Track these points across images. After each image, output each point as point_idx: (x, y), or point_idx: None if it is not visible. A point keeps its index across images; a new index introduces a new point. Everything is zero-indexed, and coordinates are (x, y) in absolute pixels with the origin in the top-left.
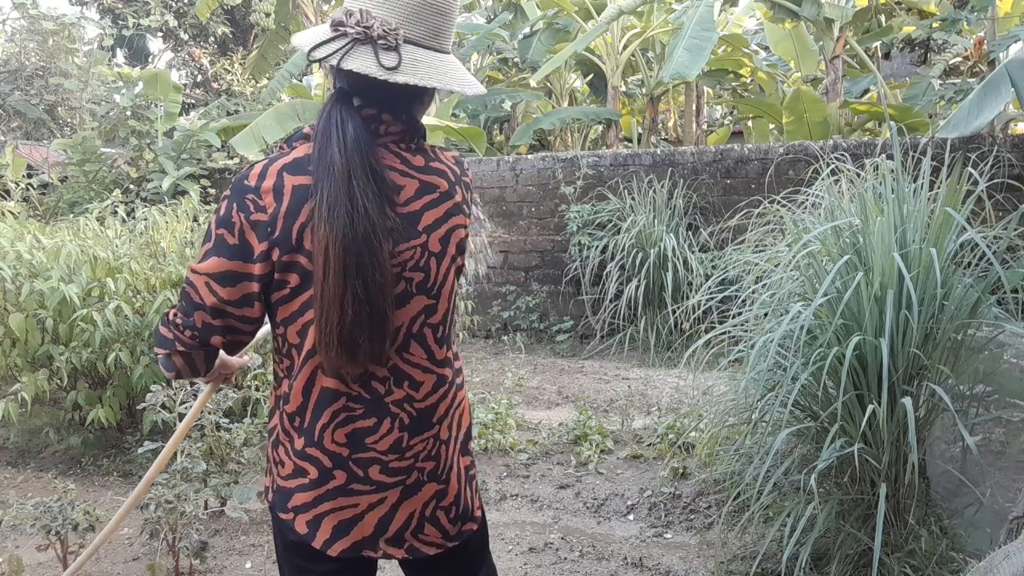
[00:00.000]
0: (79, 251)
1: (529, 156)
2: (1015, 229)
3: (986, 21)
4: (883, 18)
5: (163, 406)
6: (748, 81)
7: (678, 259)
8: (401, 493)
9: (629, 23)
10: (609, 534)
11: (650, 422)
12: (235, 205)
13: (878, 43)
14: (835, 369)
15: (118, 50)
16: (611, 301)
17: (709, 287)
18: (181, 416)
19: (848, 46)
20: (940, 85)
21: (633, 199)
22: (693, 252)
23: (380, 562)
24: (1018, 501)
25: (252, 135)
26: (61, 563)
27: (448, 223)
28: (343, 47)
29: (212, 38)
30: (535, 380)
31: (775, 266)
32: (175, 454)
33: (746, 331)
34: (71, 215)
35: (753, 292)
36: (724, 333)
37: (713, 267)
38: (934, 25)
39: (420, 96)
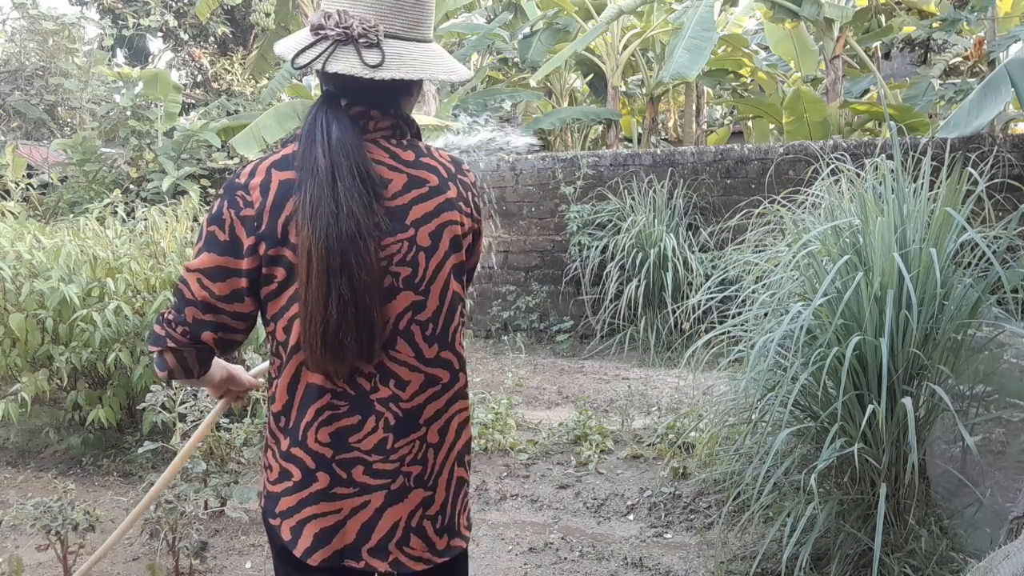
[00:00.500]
0: (79, 251)
1: (529, 156)
2: (1015, 229)
3: (986, 21)
4: (883, 18)
5: (163, 406)
6: (748, 81)
7: (678, 259)
8: (385, 498)
9: (629, 23)
10: (609, 534)
11: (650, 422)
12: (226, 203)
13: (878, 43)
14: (835, 369)
15: (118, 50)
16: (611, 301)
17: (709, 287)
18: (181, 416)
19: (848, 46)
20: (940, 85)
21: (633, 199)
22: (693, 252)
23: None
24: (1018, 501)
25: (252, 135)
26: (61, 563)
27: (440, 218)
28: (325, 50)
29: (212, 38)
30: (535, 380)
31: (775, 266)
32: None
33: (746, 331)
34: (71, 215)
35: (753, 292)
36: (724, 333)
37: (713, 267)
38: (934, 25)
39: (407, 89)
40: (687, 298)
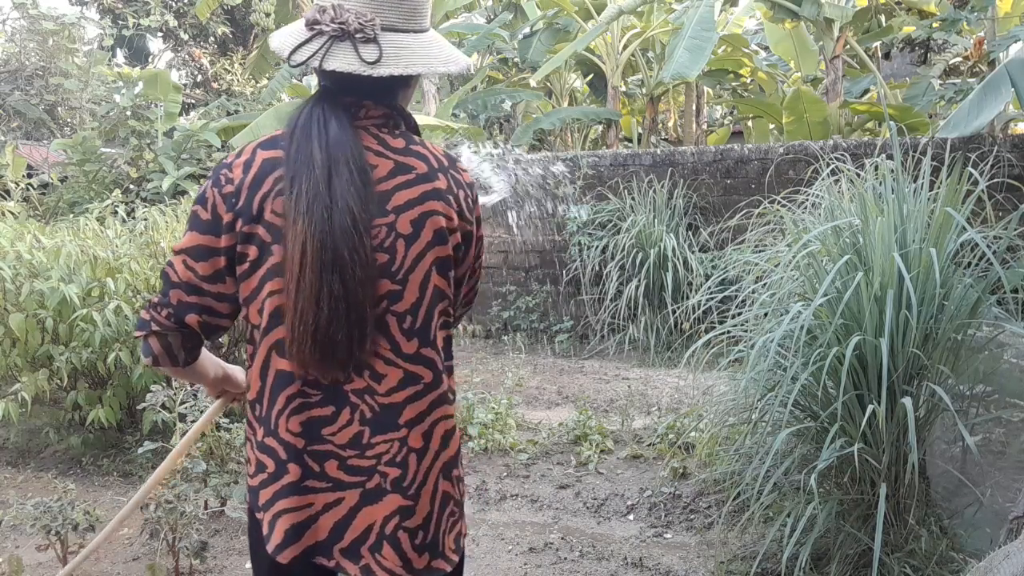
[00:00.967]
0: (79, 251)
1: (529, 156)
2: (1015, 229)
3: (986, 21)
4: (883, 18)
5: (163, 406)
6: (748, 81)
7: (678, 259)
8: (360, 497)
9: (629, 23)
10: (609, 534)
11: (650, 422)
12: (211, 183)
13: (878, 43)
14: (835, 369)
15: (118, 50)
16: (611, 301)
17: (709, 287)
18: (181, 416)
19: (848, 46)
20: (940, 85)
21: (633, 199)
22: (693, 252)
23: None
24: (1018, 501)
25: (252, 135)
26: (61, 563)
27: (423, 206)
28: (322, 46)
29: (212, 38)
30: (535, 380)
31: (775, 266)
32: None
33: (746, 331)
34: (71, 215)
35: (753, 292)
36: (724, 333)
37: (713, 267)
38: (934, 25)
39: (404, 82)
40: (687, 298)
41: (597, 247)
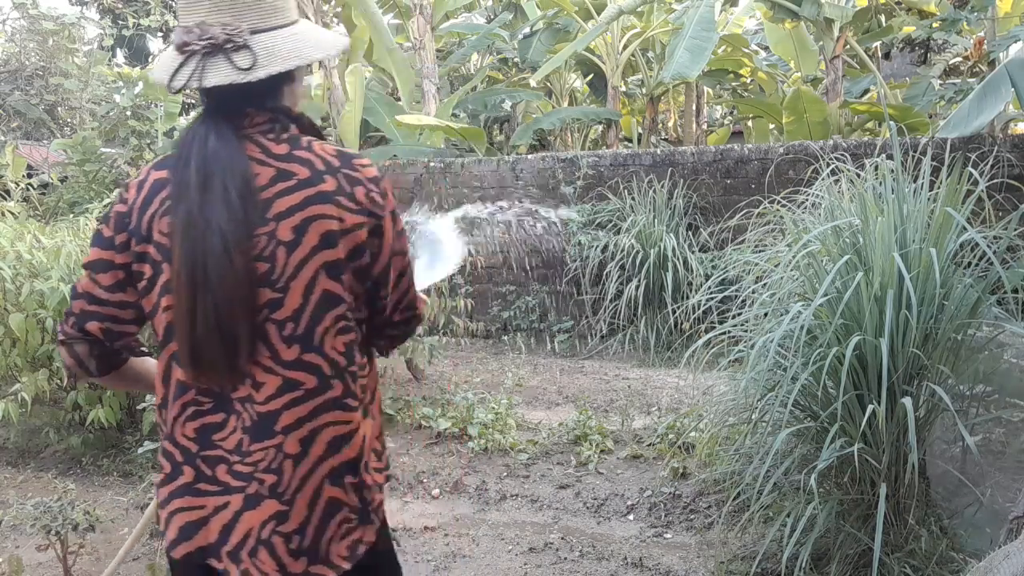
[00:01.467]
0: (79, 251)
1: (529, 156)
2: (1015, 229)
3: (986, 21)
4: (883, 18)
5: None
6: (748, 81)
7: (678, 259)
8: (243, 502)
9: (629, 23)
10: (609, 534)
11: (650, 422)
12: (116, 201)
13: (878, 43)
14: (835, 369)
15: (118, 50)
16: (611, 301)
17: (709, 287)
18: None
19: (848, 46)
20: (940, 85)
21: (633, 199)
22: (693, 252)
23: None
24: (1018, 501)
25: None
26: (61, 563)
27: (306, 211)
28: (197, 66)
29: None
30: (535, 380)
31: (775, 266)
32: None
33: (746, 331)
34: (71, 215)
35: (753, 292)
36: (724, 333)
37: (713, 267)
38: (934, 25)
39: (287, 80)
40: (687, 298)
41: (597, 247)
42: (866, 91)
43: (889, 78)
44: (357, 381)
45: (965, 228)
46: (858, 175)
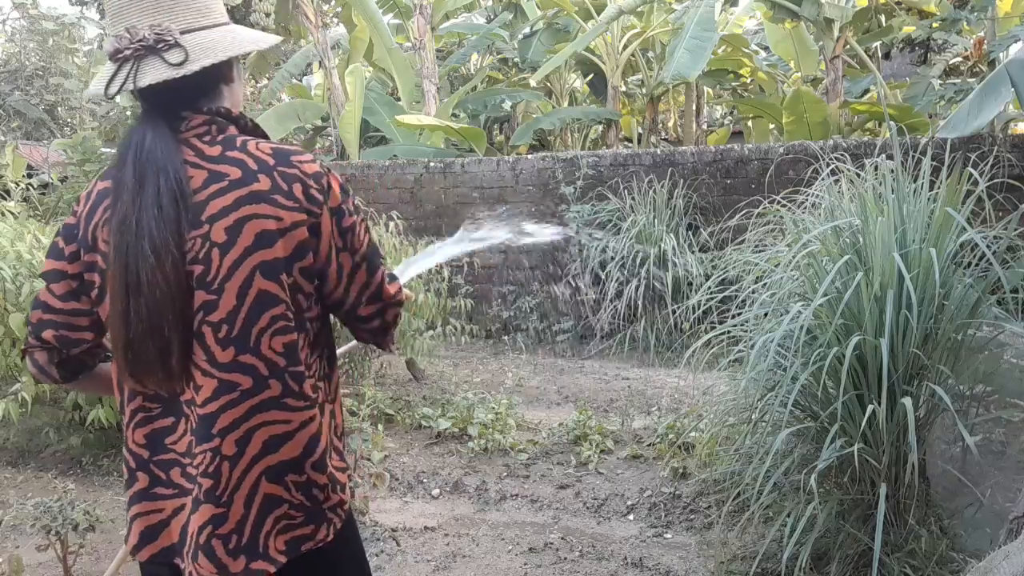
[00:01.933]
0: None
1: (529, 156)
2: (1015, 229)
3: (986, 21)
4: (883, 18)
5: None
6: (748, 81)
7: (678, 259)
8: (192, 503)
9: (629, 23)
10: (609, 534)
11: (650, 422)
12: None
13: (878, 43)
14: (835, 369)
15: None
16: (611, 301)
17: (709, 287)
18: None
19: (848, 46)
20: (940, 85)
21: (633, 199)
22: (693, 252)
23: None
24: (1018, 501)
25: None
26: (61, 563)
27: (239, 211)
28: (131, 69)
29: None
30: (535, 380)
31: (775, 266)
32: None
33: (746, 331)
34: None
35: (753, 292)
36: (724, 333)
37: (713, 267)
38: (934, 25)
39: (219, 78)
40: (687, 298)
41: (597, 247)
42: (866, 91)
43: (889, 78)
44: (304, 381)
45: (965, 228)
46: (858, 175)
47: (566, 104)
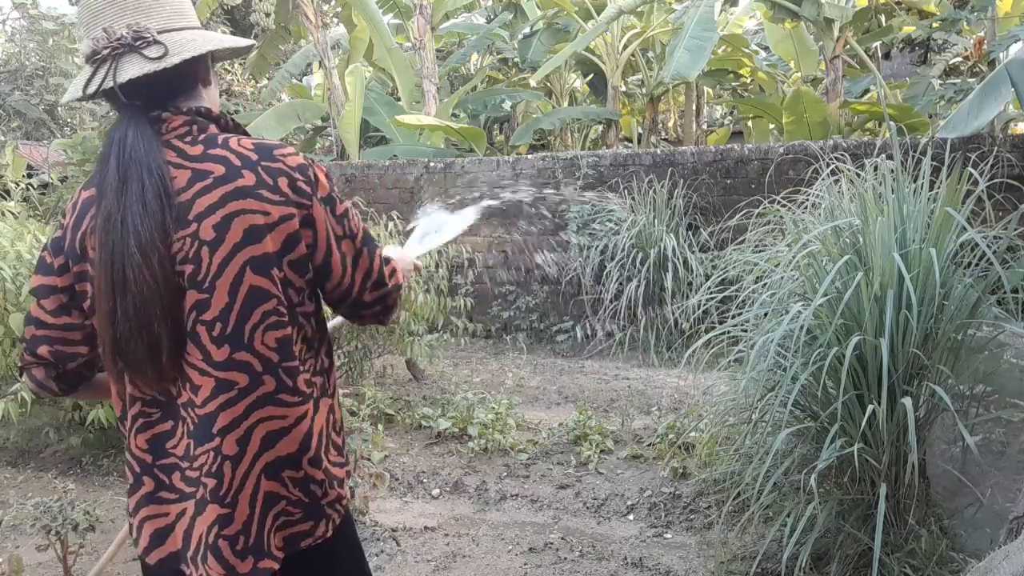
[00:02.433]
0: None
1: (529, 156)
2: (1015, 229)
3: (986, 21)
4: (883, 18)
5: None
6: (748, 81)
7: (678, 259)
8: (195, 507)
9: (629, 23)
10: (609, 534)
11: (650, 422)
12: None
13: (878, 43)
14: (835, 369)
15: None
16: (611, 301)
17: (709, 287)
18: None
19: (848, 46)
20: (940, 85)
21: (633, 199)
22: (693, 252)
23: None
24: (1018, 501)
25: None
26: (61, 563)
27: (226, 208)
28: (110, 68)
29: None
30: (535, 380)
31: (775, 266)
32: None
33: (746, 331)
34: None
35: (753, 292)
36: (724, 333)
37: (713, 267)
38: (934, 25)
39: (196, 78)
40: (687, 298)
41: (597, 247)
42: (866, 91)
43: (889, 78)
44: (298, 376)
45: (965, 228)
46: (858, 175)
47: (566, 104)
